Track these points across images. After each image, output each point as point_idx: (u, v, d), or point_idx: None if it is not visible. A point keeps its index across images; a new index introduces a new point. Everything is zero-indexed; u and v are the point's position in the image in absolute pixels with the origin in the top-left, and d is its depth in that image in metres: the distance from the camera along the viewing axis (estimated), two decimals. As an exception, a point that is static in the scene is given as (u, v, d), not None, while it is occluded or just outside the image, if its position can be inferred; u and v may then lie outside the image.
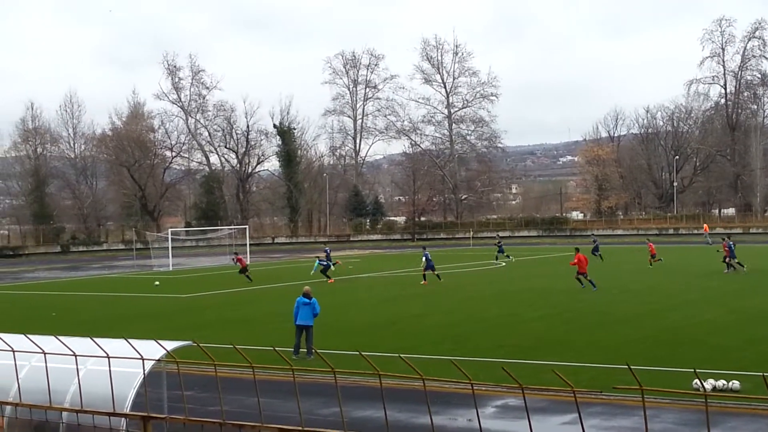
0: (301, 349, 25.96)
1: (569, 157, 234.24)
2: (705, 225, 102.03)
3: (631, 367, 4.35)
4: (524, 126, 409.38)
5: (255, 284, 52.97)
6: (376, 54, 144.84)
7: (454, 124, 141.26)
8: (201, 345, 5.49)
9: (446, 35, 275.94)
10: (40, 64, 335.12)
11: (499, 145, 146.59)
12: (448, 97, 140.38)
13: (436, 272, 51.38)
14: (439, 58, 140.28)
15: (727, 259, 51.90)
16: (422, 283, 50.12)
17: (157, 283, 39.97)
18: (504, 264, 67.06)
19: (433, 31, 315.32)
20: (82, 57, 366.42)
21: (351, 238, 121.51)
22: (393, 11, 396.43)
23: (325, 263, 56.96)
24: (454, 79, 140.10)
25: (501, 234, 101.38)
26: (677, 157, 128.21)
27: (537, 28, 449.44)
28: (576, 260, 45.32)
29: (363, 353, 4.88)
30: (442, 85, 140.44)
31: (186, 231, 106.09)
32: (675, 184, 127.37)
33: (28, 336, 8.25)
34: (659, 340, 27.46)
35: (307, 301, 26.23)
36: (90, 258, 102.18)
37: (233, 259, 61.02)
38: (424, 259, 51.81)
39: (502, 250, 70.64)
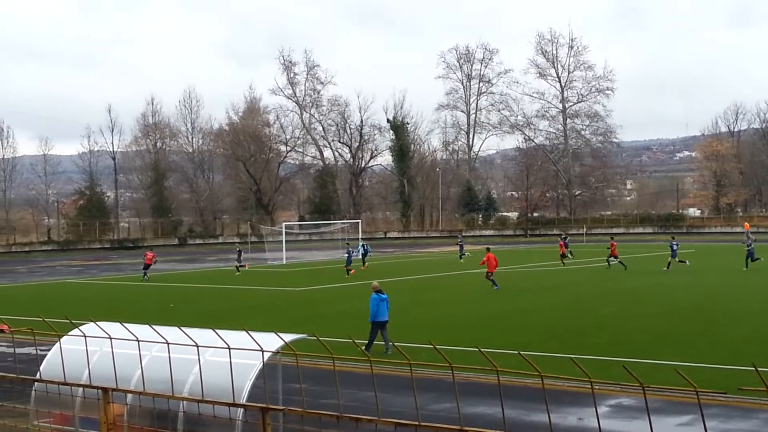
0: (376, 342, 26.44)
1: (686, 153, 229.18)
2: (746, 223, 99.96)
3: (751, 368, 4.26)
4: (640, 120, 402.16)
5: (368, 278, 53.23)
6: (491, 48, 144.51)
7: (568, 119, 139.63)
8: (319, 338, 5.56)
9: (562, 28, 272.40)
10: (161, 60, 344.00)
11: (614, 140, 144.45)
12: (562, 91, 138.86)
13: (348, 267, 56.53)
14: (554, 52, 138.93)
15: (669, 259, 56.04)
16: (362, 267, 57.78)
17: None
18: (462, 261, 68.80)
19: (548, 24, 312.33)
20: (201, 53, 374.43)
21: (463, 234, 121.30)
22: (509, 4, 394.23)
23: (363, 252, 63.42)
24: (569, 73, 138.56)
25: (614, 231, 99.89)
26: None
27: (659, 18, 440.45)
28: (485, 259, 46.50)
29: (481, 349, 4.88)
30: (556, 79, 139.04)
31: (299, 225, 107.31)
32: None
33: (153, 326, 8.47)
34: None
35: (385, 297, 26.65)
36: (206, 251, 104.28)
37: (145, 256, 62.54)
38: (360, 250, 59.61)
39: (462, 250, 72.73)
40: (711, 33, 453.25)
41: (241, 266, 62.17)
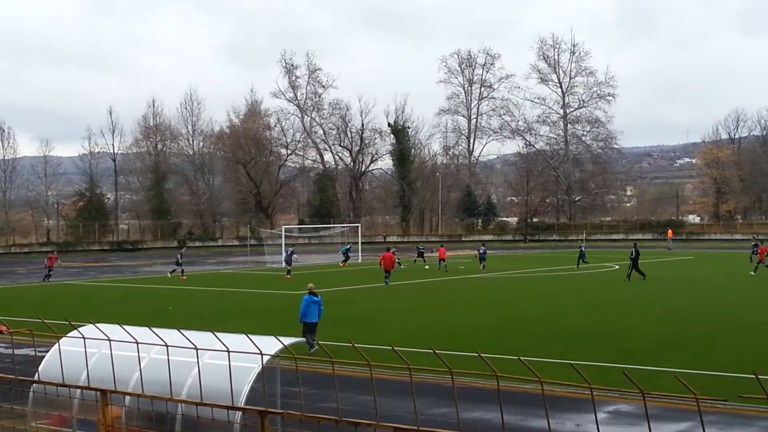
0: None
1: (687, 160, 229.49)
2: (669, 230, 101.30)
3: (752, 375, 4.25)
4: (644, 127, 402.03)
5: (369, 282, 53.20)
6: (492, 53, 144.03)
7: (569, 125, 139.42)
8: (318, 342, 5.54)
9: (565, 34, 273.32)
10: (165, 62, 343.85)
11: (615, 146, 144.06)
12: (563, 97, 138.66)
13: (288, 270, 60.07)
14: (556, 57, 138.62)
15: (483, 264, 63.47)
16: (287, 277, 57.99)
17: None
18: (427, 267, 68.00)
19: (551, 30, 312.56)
20: (205, 55, 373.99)
21: (462, 238, 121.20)
22: (518, 11, 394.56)
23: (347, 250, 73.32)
24: (570, 79, 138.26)
25: (613, 237, 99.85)
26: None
27: (665, 25, 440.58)
28: (382, 259, 53.91)
29: (481, 354, 4.87)
30: (558, 84, 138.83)
31: (299, 228, 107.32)
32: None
33: (152, 329, 8.45)
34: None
35: (316, 299, 27.01)
36: (205, 253, 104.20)
37: (47, 260, 62.57)
38: (288, 254, 62.28)
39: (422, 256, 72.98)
40: (716, 40, 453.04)
41: (174, 272, 60.01)
